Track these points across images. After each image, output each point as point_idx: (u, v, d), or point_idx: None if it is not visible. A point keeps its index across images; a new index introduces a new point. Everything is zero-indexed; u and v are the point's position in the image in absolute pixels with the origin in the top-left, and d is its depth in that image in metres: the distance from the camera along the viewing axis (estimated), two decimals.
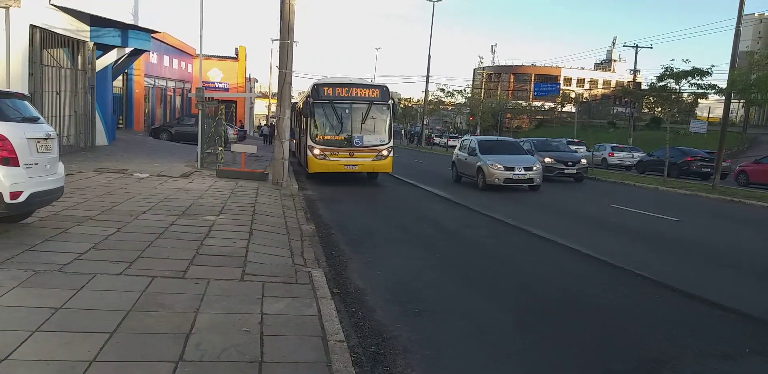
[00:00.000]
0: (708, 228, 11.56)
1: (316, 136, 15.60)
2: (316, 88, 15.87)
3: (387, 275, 6.61)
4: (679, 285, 6.54)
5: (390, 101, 16.16)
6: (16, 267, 5.03)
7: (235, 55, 47.68)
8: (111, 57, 19.17)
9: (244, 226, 7.97)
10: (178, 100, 39.49)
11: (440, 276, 6.76)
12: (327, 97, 15.68)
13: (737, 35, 17.37)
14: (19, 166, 5.64)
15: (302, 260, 6.59)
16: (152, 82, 32.47)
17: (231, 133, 25.14)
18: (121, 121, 27.47)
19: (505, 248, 8.74)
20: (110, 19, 16.46)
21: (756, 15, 77.52)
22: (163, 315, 4.20)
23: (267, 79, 60.43)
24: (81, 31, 16.49)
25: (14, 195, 5.55)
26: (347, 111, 15.80)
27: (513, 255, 8.25)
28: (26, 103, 6.40)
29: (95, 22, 16.66)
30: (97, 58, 18.22)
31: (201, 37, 16.19)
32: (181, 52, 37.13)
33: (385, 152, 15.81)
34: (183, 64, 38.32)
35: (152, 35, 20.66)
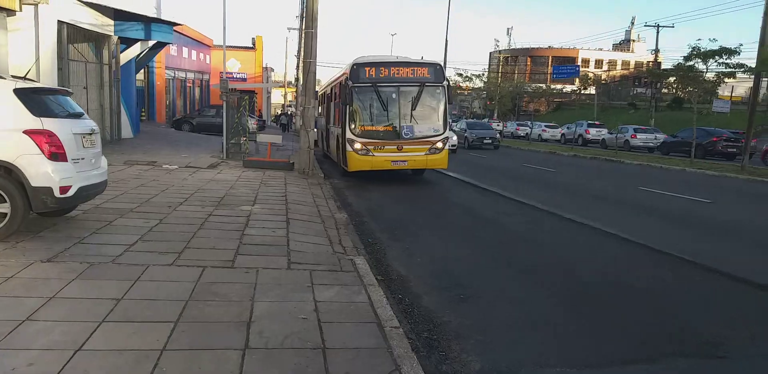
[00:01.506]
0: (742, 210, 11.44)
1: (357, 127, 13.03)
2: (356, 69, 13.04)
3: (426, 262, 6.65)
4: (723, 267, 6.51)
5: (445, 82, 13.58)
6: (71, 259, 5.16)
7: (252, 45, 47.72)
8: (135, 50, 19.31)
9: (280, 215, 8.06)
10: (197, 91, 39.73)
11: (478, 260, 6.80)
12: (369, 79, 12.96)
13: (767, 13, 16.98)
14: (67, 161, 5.75)
15: (341, 248, 6.67)
16: (172, 74, 32.68)
17: (251, 123, 25.27)
18: (143, 114, 27.73)
19: (542, 233, 8.73)
20: (134, 13, 16.58)
21: None
22: (221, 304, 4.30)
23: (283, 68, 60.48)
24: (105, 25, 16.63)
25: (64, 189, 5.67)
26: (394, 95, 13.08)
27: (550, 239, 8.25)
28: (69, 98, 6.50)
29: (119, 16, 16.80)
30: (121, 52, 18.36)
31: (224, 29, 16.20)
32: (199, 43, 37.26)
33: (439, 144, 13.31)
34: (201, 55, 38.48)
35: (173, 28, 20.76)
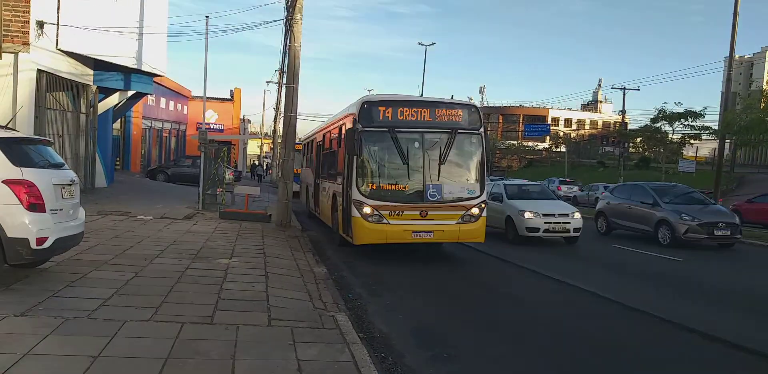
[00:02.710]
0: (716, 268, 11.64)
1: (366, 185, 10.01)
2: (367, 109, 10.17)
3: (408, 318, 6.58)
4: (681, 320, 6.56)
5: (482, 129, 10.69)
6: (45, 314, 4.98)
7: (230, 97, 48.30)
8: (113, 100, 19.38)
9: (259, 269, 7.95)
10: (173, 141, 39.73)
11: (459, 315, 6.74)
12: (384, 122, 10.07)
13: (729, 80, 18.02)
14: (45, 211, 5.65)
15: (322, 304, 6.57)
16: (149, 124, 32.75)
17: (228, 174, 25.23)
18: (118, 163, 27.50)
19: (518, 287, 8.74)
20: (114, 64, 16.74)
21: (737, 57, 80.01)
22: (201, 363, 4.16)
23: (259, 119, 61.09)
24: (85, 75, 16.73)
25: (40, 241, 5.55)
26: (416, 144, 10.17)
27: (529, 294, 8.25)
28: (50, 149, 6.46)
29: (99, 66, 16.94)
30: (100, 101, 18.40)
31: (205, 81, 16.48)
32: (177, 94, 37.59)
33: (475, 210, 10.20)
34: (179, 105, 38.75)
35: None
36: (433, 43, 48.00)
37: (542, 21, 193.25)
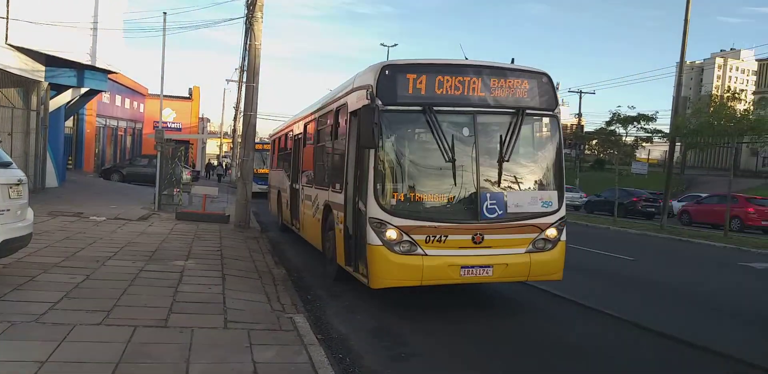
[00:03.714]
0: (665, 267, 12.02)
1: (390, 195, 6.61)
2: (390, 77, 6.65)
3: (367, 319, 6.58)
4: (650, 324, 6.76)
5: (558, 108, 7.35)
6: None
7: (188, 95, 47.45)
8: (65, 97, 18.80)
9: (215, 271, 7.83)
10: (129, 139, 38.82)
11: (419, 316, 6.78)
12: (417, 98, 6.66)
13: (679, 85, 18.64)
14: None
15: (280, 305, 6.51)
16: (104, 122, 31.90)
17: (186, 174, 24.80)
18: (70, 162, 26.71)
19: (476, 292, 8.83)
20: (67, 60, 16.26)
21: (688, 63, 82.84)
22: (154, 367, 4.09)
23: (219, 119, 60.20)
24: (36, 70, 16.21)
25: None
26: (466, 131, 6.89)
27: (479, 293, 8.35)
28: None
29: (51, 62, 16.43)
30: (51, 98, 17.85)
31: (162, 78, 16.22)
32: (133, 91, 36.73)
33: (552, 232, 7.04)
34: (135, 103, 37.86)
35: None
36: (395, 45, 48.22)
37: (502, 25, 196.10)
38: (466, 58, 7.23)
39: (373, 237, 6.50)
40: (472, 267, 6.63)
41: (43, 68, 16.53)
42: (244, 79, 14.69)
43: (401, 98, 6.62)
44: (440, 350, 5.59)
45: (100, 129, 31.62)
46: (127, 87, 34.85)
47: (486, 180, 6.84)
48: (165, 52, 15.62)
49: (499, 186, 6.86)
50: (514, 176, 7.09)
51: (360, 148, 6.86)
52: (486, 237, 6.63)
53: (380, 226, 6.47)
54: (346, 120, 7.73)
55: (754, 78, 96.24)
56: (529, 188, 7.22)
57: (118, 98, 33.65)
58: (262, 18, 13.31)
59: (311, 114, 10.63)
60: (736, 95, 20.37)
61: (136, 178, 27.10)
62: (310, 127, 10.70)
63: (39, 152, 17.18)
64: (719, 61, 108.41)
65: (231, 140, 44.75)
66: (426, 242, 6.50)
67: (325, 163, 9.16)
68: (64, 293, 5.82)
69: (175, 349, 4.50)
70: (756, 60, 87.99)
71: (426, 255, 6.49)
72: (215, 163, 55.00)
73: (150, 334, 4.81)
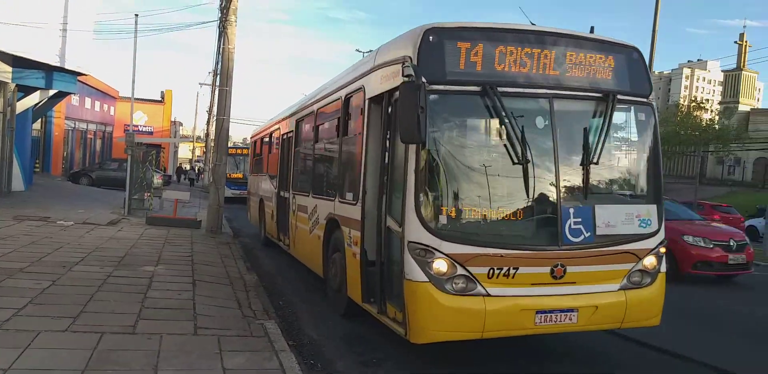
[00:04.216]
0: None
1: (437, 210, 4.73)
2: (437, 44, 4.77)
3: (339, 324, 6.56)
4: None
5: (652, 94, 5.58)
6: None
7: (160, 99, 46.87)
8: (33, 99, 18.42)
9: (186, 277, 7.73)
10: (98, 143, 38.16)
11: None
12: (473, 75, 4.83)
13: None
14: None
15: (251, 311, 6.46)
16: (72, 125, 31.32)
17: (157, 178, 24.49)
18: (37, 165, 26.16)
19: None
20: (34, 61, 15.96)
21: (656, 73, 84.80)
22: None
23: (192, 122, 59.55)
24: (2, 71, 15.88)
25: None
26: (540, 122, 5.16)
27: None
28: None
29: (18, 62, 16.11)
30: (18, 100, 17.48)
31: (133, 81, 15.95)
32: (103, 94, 36.15)
33: (650, 260, 5.28)
34: (105, 106, 37.26)
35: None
36: (370, 51, 48.26)
37: None
38: (533, 24, 5.28)
39: (414, 271, 4.62)
40: (552, 311, 4.82)
41: (9, 69, 16.18)
42: (218, 83, 14.57)
43: (452, 75, 4.74)
44: (413, 356, 5.59)
45: (68, 132, 31.03)
46: (97, 89, 34.29)
47: (568, 189, 5.05)
48: (136, 55, 15.46)
49: (585, 198, 5.06)
50: (604, 184, 5.42)
51: (389, 146, 5.28)
52: (569, 269, 4.84)
53: (424, 255, 4.59)
54: (361, 110, 5.97)
55: (720, 88, 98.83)
56: (621, 201, 5.52)
57: (88, 101, 33.09)
58: (235, 21, 13.25)
59: (306, 107, 9.07)
60: (702, 105, 20.83)
61: (106, 182, 26.69)
62: (306, 124, 9.16)
63: (5, 155, 16.79)
64: (686, 71, 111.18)
65: (204, 144, 44.33)
66: (489, 277, 4.69)
67: (328, 167, 7.74)
68: (29, 299, 5.70)
69: (143, 356, 4.43)
70: (722, 71, 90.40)
71: (489, 295, 4.68)
72: (187, 167, 54.39)
73: (117, 341, 4.73)
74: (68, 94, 20.82)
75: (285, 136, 10.59)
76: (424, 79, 4.55)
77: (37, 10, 15.16)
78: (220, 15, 13.70)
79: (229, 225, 15.57)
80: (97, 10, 19.51)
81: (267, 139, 12.82)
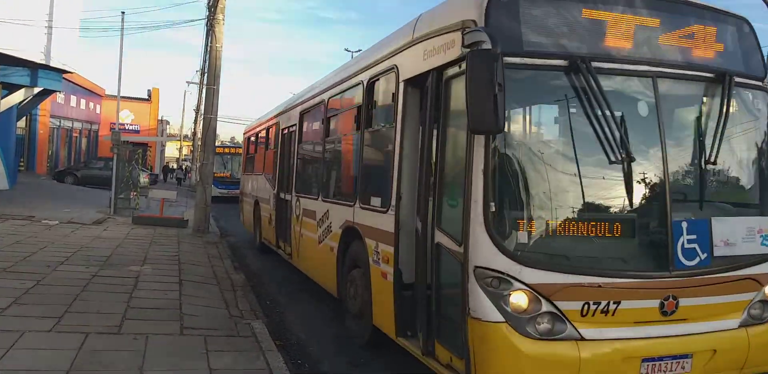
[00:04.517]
0: None
1: (514, 225, 3.55)
2: (511, 5, 3.61)
3: (328, 324, 6.55)
4: None
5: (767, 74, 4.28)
6: None
7: (147, 97, 46.55)
8: (17, 97, 18.19)
9: (173, 277, 7.69)
10: (84, 141, 37.82)
11: None
12: (556, 46, 3.65)
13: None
14: None
15: (238, 311, 6.44)
16: (58, 123, 31.02)
17: (143, 177, 24.32)
18: (22, 164, 25.89)
19: None
20: (19, 58, 15.79)
21: None
22: None
23: (179, 121, 59.19)
24: None
25: None
26: (642, 107, 3.89)
27: None
28: None
29: (3, 60, 15.90)
30: (3, 98, 17.27)
31: (119, 79, 15.86)
32: (89, 92, 35.82)
33: None
34: (91, 104, 36.93)
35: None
36: (360, 50, 48.22)
37: None
38: None
39: (483, 307, 3.46)
40: (661, 359, 3.64)
41: None
42: (205, 82, 14.50)
43: (531, 44, 3.65)
44: (402, 355, 5.59)
45: (53, 130, 30.72)
46: (83, 87, 33.97)
47: (680, 197, 3.99)
48: (123, 53, 15.33)
49: (700, 208, 3.97)
50: (721, 190, 4.31)
51: (417, 138, 4.43)
52: (681, 301, 3.67)
53: (498, 285, 3.46)
54: (393, 95, 4.88)
55: None
56: (739, 210, 4.30)
57: (74, 99, 32.77)
58: (223, 20, 13.20)
59: (313, 97, 7.94)
60: None
61: (92, 181, 26.51)
62: (313, 116, 8.08)
63: None
64: None
65: (191, 143, 44.10)
66: (582, 315, 3.52)
67: (344, 165, 6.67)
68: (13, 299, 5.65)
69: (129, 356, 4.40)
70: None
71: (582, 339, 3.51)
72: (174, 165, 54.05)
73: (103, 341, 4.70)
74: (53, 92, 20.59)
75: (286, 131, 9.49)
76: (497, 48, 3.34)
77: (23, 8, 15.02)
78: (207, 13, 13.65)
79: (216, 224, 15.49)
80: (84, 7, 19.35)
81: (264, 135, 11.61)
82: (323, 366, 5.11)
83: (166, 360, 4.41)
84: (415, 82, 4.58)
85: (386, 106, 5.18)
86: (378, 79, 5.48)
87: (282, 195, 9.20)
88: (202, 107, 15.44)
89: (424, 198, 4.21)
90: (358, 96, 6.00)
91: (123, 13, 16.11)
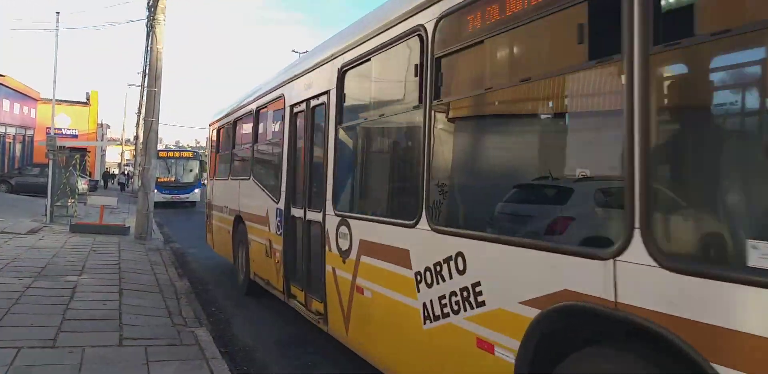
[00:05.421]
0: None
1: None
2: None
3: (276, 328, 6.46)
4: None
5: None
6: None
7: (86, 100, 44.88)
8: None
9: (112, 286, 7.43)
10: (18, 147, 36.15)
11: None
12: None
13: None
14: None
15: (182, 319, 6.26)
16: None
17: (82, 183, 23.46)
18: None
19: None
20: None
21: None
22: None
23: (120, 125, 57.37)
24: None
25: None
26: None
27: None
28: None
29: None
30: None
31: (54, 82, 15.25)
32: (23, 95, 34.34)
33: None
34: (25, 108, 35.39)
35: None
36: (307, 51, 47.84)
37: None
38: None
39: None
40: None
41: None
42: (146, 84, 14.11)
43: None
44: (351, 357, 5.56)
45: None
46: (16, 90, 32.55)
47: None
48: (58, 54, 14.70)
49: None
50: None
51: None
52: None
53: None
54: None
55: None
56: None
57: (6, 103, 31.35)
58: (164, 21, 12.87)
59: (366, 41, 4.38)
60: None
61: (27, 189, 25.36)
62: (365, 80, 4.70)
63: None
64: None
65: (133, 147, 42.84)
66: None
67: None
68: None
69: (64, 370, 4.22)
70: None
71: None
72: (115, 171, 52.38)
73: (36, 356, 4.48)
74: None
75: (308, 110, 5.77)
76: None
77: None
78: (148, 14, 13.28)
79: (160, 230, 15.09)
80: (16, 8, 18.52)
81: (251, 124, 8.07)
82: (270, 371, 5.04)
83: (104, 373, 4.25)
84: None
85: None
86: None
87: (295, 212, 6.05)
88: (143, 110, 14.99)
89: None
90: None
91: (57, 13, 15.42)
